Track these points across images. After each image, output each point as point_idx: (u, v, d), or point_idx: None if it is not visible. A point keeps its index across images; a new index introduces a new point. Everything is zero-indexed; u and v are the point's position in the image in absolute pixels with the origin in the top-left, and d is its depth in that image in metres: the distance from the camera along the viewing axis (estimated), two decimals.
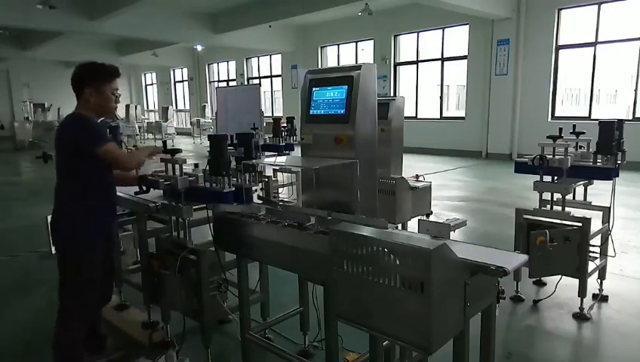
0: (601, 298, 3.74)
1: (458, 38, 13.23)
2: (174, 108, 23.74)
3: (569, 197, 3.74)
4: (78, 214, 2.56)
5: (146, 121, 21.65)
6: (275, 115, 17.13)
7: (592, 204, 3.89)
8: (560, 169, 3.52)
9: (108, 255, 2.79)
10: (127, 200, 3.07)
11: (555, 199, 3.69)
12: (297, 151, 3.03)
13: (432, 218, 3.40)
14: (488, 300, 1.87)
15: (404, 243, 1.59)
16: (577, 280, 3.44)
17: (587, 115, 10.92)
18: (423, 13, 12.84)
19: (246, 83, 19.32)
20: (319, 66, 15.89)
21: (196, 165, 2.98)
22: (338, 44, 16.47)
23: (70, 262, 2.58)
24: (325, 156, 2.41)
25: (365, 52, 15.61)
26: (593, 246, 3.56)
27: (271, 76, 19.29)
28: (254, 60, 19.92)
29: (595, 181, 3.79)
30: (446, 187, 8.48)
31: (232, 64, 20.88)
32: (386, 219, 2.20)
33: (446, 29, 13.39)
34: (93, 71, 2.53)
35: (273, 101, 19.47)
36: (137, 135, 18.15)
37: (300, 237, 2.24)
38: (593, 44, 10.79)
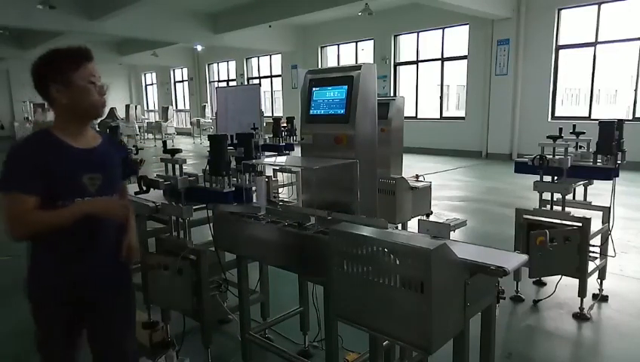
0: (601, 298, 3.74)
1: (458, 38, 13.23)
2: (174, 108, 23.74)
3: (569, 197, 3.74)
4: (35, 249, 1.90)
5: (146, 121, 21.66)
6: (275, 115, 17.12)
7: (592, 204, 3.89)
8: (560, 169, 3.52)
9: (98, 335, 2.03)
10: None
11: (555, 199, 3.69)
12: (297, 151, 3.03)
13: (432, 218, 3.40)
14: (488, 300, 1.87)
15: (404, 243, 1.59)
16: (577, 280, 3.44)
17: (587, 115, 10.91)
18: (423, 13, 12.84)
19: (246, 83, 19.32)
20: (319, 66, 15.89)
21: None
22: (338, 44, 16.46)
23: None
24: (325, 156, 2.41)
25: (365, 52, 15.61)
26: (593, 246, 3.55)
27: (271, 76, 19.29)
28: (254, 60, 19.92)
29: (595, 181, 3.79)
30: (446, 187, 8.48)
31: (232, 64, 20.88)
32: (386, 219, 2.20)
33: (446, 29, 13.39)
34: (50, 61, 1.80)
35: (273, 101, 19.47)
36: (137, 135, 18.15)
37: (300, 237, 2.24)
38: (593, 44, 10.78)
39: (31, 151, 1.75)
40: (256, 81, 19.32)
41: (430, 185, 3.86)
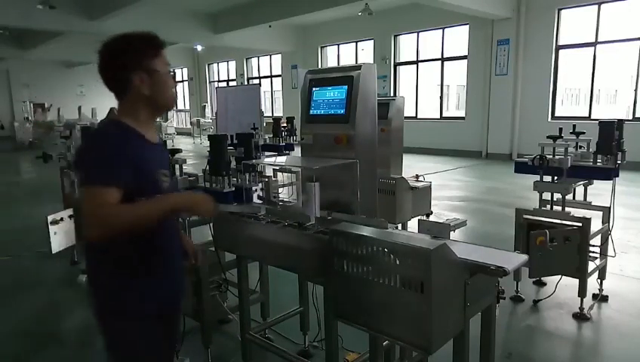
0: (601, 298, 3.74)
1: (458, 38, 13.23)
2: (174, 108, 23.71)
3: (569, 197, 3.74)
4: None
5: None
6: (275, 115, 17.12)
7: (592, 204, 3.90)
8: (560, 169, 3.52)
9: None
10: None
11: (555, 199, 3.70)
12: (297, 151, 3.03)
13: (432, 218, 3.40)
14: (488, 300, 1.87)
15: (404, 243, 1.59)
16: (577, 280, 3.44)
17: (587, 115, 10.91)
18: (423, 13, 12.84)
19: (246, 83, 19.32)
20: (319, 66, 15.89)
21: None
22: (338, 44, 16.46)
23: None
24: (325, 156, 2.41)
25: (365, 52, 15.61)
26: (593, 246, 3.55)
27: (271, 76, 19.29)
28: (254, 60, 19.91)
29: (595, 181, 3.79)
30: (446, 187, 8.48)
31: (232, 64, 20.88)
32: (386, 219, 2.20)
33: (446, 29, 13.39)
34: (129, 46, 1.58)
35: (273, 101, 19.46)
36: None
37: (300, 237, 2.24)
38: (593, 44, 10.78)
39: (118, 142, 1.54)
40: (256, 81, 19.32)
41: (430, 185, 3.85)
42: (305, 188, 2.06)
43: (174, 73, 1.71)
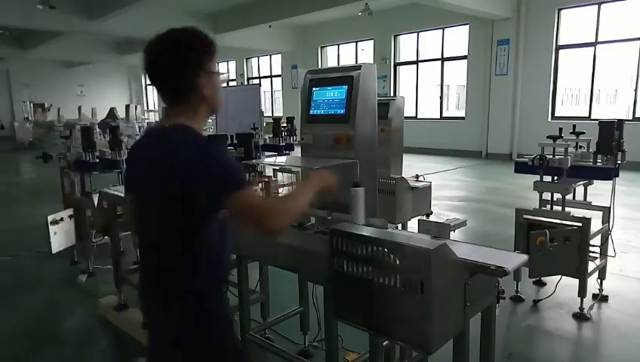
0: (601, 298, 3.74)
1: (458, 38, 13.23)
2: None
3: (569, 197, 3.74)
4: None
5: (146, 121, 21.62)
6: (275, 115, 17.12)
7: (592, 204, 3.90)
8: (560, 169, 3.52)
9: None
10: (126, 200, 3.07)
11: (555, 199, 3.70)
12: (297, 151, 3.03)
13: (432, 218, 3.39)
14: (488, 300, 1.87)
15: (404, 243, 1.59)
16: (577, 280, 3.44)
17: (587, 115, 10.91)
18: (423, 13, 12.84)
19: (246, 83, 19.32)
20: (319, 66, 15.88)
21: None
22: (338, 44, 16.46)
23: None
24: (325, 156, 2.41)
25: (365, 52, 15.61)
26: (593, 246, 3.56)
27: (271, 76, 19.28)
28: (254, 60, 19.91)
29: (595, 181, 3.79)
30: (446, 187, 8.48)
31: (232, 64, 20.86)
32: (386, 219, 2.20)
33: (446, 29, 13.39)
34: (196, 43, 1.50)
35: (273, 101, 19.46)
36: (137, 135, 18.13)
37: (300, 237, 2.24)
38: (593, 44, 10.78)
39: (222, 147, 1.56)
40: (256, 81, 19.31)
41: (430, 185, 3.85)
42: (350, 194, 1.93)
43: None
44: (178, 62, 1.46)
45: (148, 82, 27.80)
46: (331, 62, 16.65)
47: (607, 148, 3.52)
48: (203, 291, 1.47)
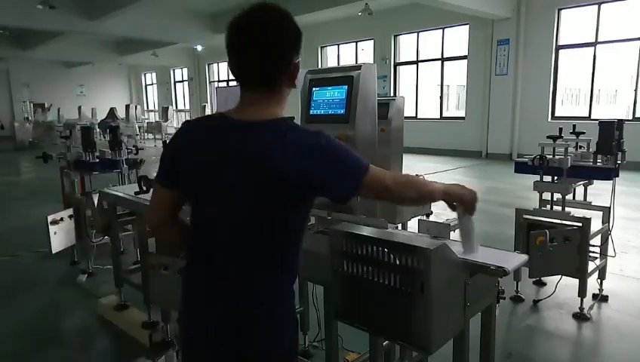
0: (601, 298, 3.73)
1: (458, 38, 13.23)
2: (174, 108, 23.74)
3: (569, 197, 3.74)
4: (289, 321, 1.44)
5: (146, 121, 21.66)
6: None
7: (592, 204, 3.90)
8: (560, 169, 3.52)
9: None
10: (126, 200, 3.07)
11: (555, 199, 3.70)
12: None
13: (432, 218, 3.39)
14: (488, 300, 1.87)
15: (404, 243, 1.59)
16: (577, 280, 3.43)
17: (587, 115, 10.91)
18: (423, 13, 12.84)
19: None
20: (319, 66, 15.88)
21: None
22: (338, 44, 16.46)
23: None
24: None
25: (365, 52, 15.61)
26: (593, 246, 3.56)
27: None
28: None
29: (595, 181, 3.79)
30: None
31: None
32: (386, 219, 2.20)
33: (446, 29, 13.39)
34: (295, 28, 1.44)
35: None
36: (137, 135, 18.14)
37: None
38: (593, 44, 10.79)
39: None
40: None
41: None
42: (461, 222, 1.73)
43: None
44: (274, 47, 1.35)
45: (148, 83, 27.55)
46: (331, 62, 16.64)
47: (607, 148, 3.52)
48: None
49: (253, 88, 1.36)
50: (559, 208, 3.66)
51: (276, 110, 1.37)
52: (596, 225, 3.63)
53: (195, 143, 1.39)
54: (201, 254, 1.44)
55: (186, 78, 23.76)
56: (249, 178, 1.28)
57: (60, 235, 4.32)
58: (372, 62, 12.47)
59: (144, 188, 2.84)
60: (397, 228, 3.05)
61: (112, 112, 18.34)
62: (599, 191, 3.96)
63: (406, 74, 14.76)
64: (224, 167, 1.31)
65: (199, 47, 19.64)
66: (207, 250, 1.41)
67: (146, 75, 26.88)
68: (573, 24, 11.24)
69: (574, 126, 3.85)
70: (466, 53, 12.96)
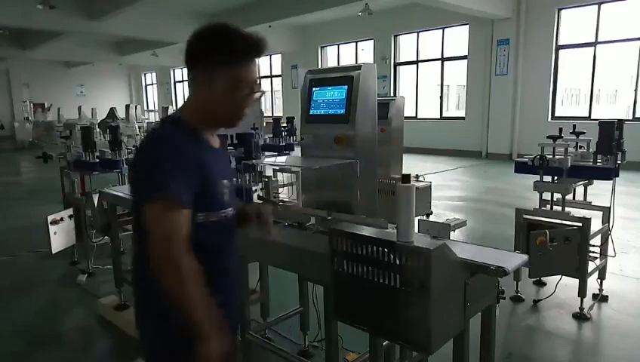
0: (601, 298, 3.73)
1: (458, 38, 13.23)
2: (174, 108, 23.73)
3: (569, 197, 3.74)
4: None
5: (146, 121, 21.63)
6: (275, 114, 17.11)
7: (592, 204, 3.89)
8: (560, 169, 3.52)
9: None
10: (127, 200, 3.07)
11: (555, 199, 3.69)
12: (297, 151, 3.03)
13: (432, 218, 3.40)
14: (488, 300, 1.87)
15: (404, 243, 1.59)
16: (577, 280, 3.44)
17: (587, 115, 10.91)
18: (423, 13, 12.84)
19: None
20: (319, 66, 15.88)
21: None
22: (338, 44, 16.45)
23: None
24: (325, 156, 2.41)
25: (365, 52, 15.60)
26: (593, 246, 3.56)
27: (271, 76, 19.27)
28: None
29: (595, 181, 3.79)
30: (446, 187, 8.48)
31: None
32: (386, 219, 2.20)
33: (446, 29, 13.39)
34: (219, 37, 1.43)
35: (273, 101, 19.46)
36: (137, 135, 18.13)
37: (300, 237, 2.24)
38: (593, 44, 10.78)
39: (188, 138, 1.46)
40: None
41: (430, 185, 3.85)
42: None
43: (259, 91, 1.60)
44: (188, 48, 1.48)
45: (148, 82, 27.56)
46: (331, 62, 16.64)
47: (607, 148, 3.51)
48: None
49: None
50: (559, 208, 3.66)
51: (185, 109, 1.55)
52: (596, 225, 3.63)
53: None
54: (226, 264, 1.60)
55: (186, 78, 23.61)
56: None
57: (60, 235, 4.33)
58: (372, 62, 12.47)
59: None
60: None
61: (112, 112, 18.30)
62: (599, 191, 3.96)
63: (406, 74, 14.76)
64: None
65: None
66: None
67: (146, 75, 26.87)
68: (573, 24, 11.24)
69: (574, 126, 3.85)
70: (466, 53, 12.95)
